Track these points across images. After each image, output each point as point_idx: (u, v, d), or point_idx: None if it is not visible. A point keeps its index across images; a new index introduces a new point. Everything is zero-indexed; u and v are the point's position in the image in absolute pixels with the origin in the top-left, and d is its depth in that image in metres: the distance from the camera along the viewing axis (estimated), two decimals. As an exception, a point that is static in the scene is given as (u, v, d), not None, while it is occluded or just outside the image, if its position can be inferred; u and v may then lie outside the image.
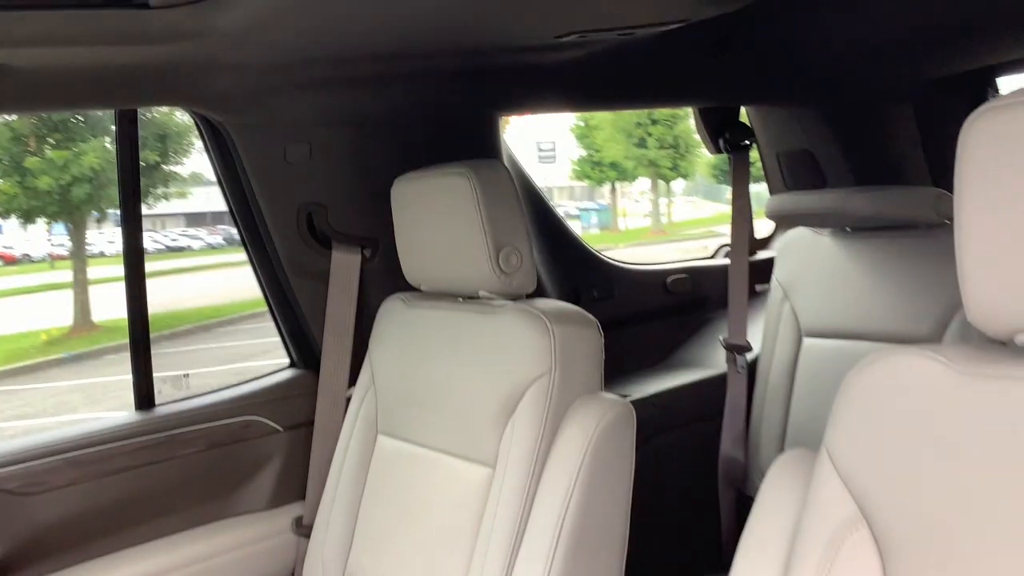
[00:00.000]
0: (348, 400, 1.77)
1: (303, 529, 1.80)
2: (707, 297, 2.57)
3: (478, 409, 1.47)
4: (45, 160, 9.89)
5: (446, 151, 1.76)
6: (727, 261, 2.46)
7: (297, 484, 1.85)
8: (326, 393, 1.84)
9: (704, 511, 2.20)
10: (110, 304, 10.54)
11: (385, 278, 1.81)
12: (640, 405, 1.60)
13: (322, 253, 1.86)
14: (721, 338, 2.31)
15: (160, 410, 1.81)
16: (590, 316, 1.49)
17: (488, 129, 2.06)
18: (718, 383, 2.27)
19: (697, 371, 2.35)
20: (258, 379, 1.94)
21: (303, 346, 1.95)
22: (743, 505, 2.16)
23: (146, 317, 1.78)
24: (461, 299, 1.61)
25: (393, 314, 1.71)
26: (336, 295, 1.85)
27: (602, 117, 18.47)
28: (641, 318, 2.45)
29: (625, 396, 2.10)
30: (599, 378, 1.47)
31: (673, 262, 2.61)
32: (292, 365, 1.99)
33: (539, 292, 1.73)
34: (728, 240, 2.47)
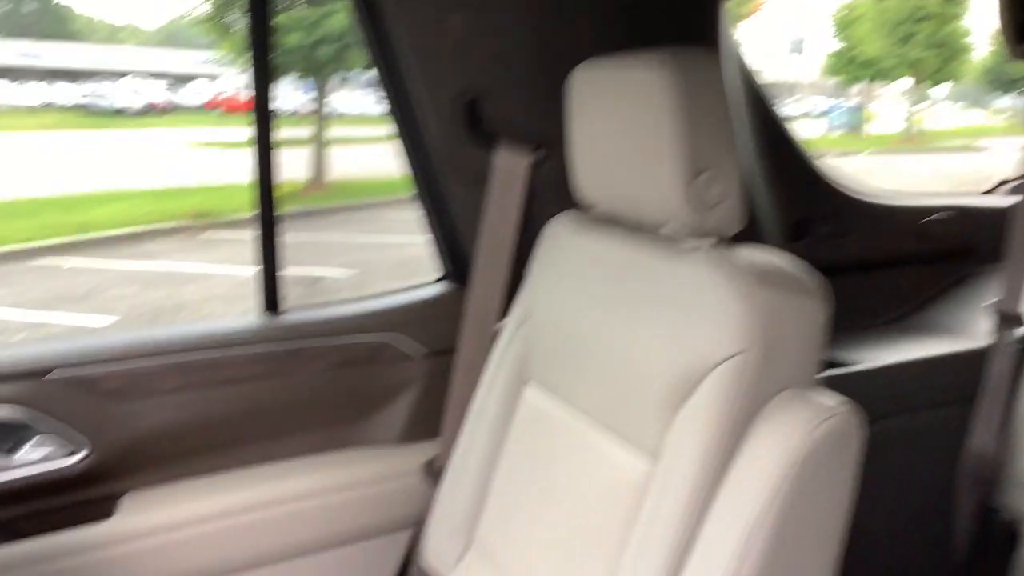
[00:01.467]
0: (498, 332, 1.46)
1: (433, 475, 1.54)
2: (974, 247, 2.03)
3: (644, 385, 1.11)
4: (294, 18, 10.14)
5: (648, 34, 1.35)
6: (1009, 202, 1.91)
7: (432, 420, 1.58)
8: (475, 318, 1.54)
9: (933, 521, 1.75)
10: (343, 163, 10.86)
11: (557, 190, 1.45)
12: (862, 378, 1.19)
13: (484, 152, 1.52)
14: (989, 303, 1.79)
15: (287, 317, 1.57)
16: (813, 279, 1.08)
17: (707, 8, 1.62)
18: (974, 360, 1.76)
19: (946, 341, 1.86)
20: (401, 292, 1.67)
21: (456, 259, 1.65)
22: (987, 520, 1.69)
23: (272, 205, 1.53)
24: (641, 230, 1.23)
25: (560, 236, 1.36)
26: (496, 204, 1.52)
27: (865, 8, 16.85)
28: (881, 264, 1.96)
29: (842, 366, 1.67)
30: (814, 366, 1.07)
31: (934, 195, 2.07)
32: (443, 279, 1.70)
33: (750, 230, 1.31)
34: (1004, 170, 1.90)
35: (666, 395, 1.08)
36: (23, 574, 1.33)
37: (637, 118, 1.14)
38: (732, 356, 1.02)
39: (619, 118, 1.18)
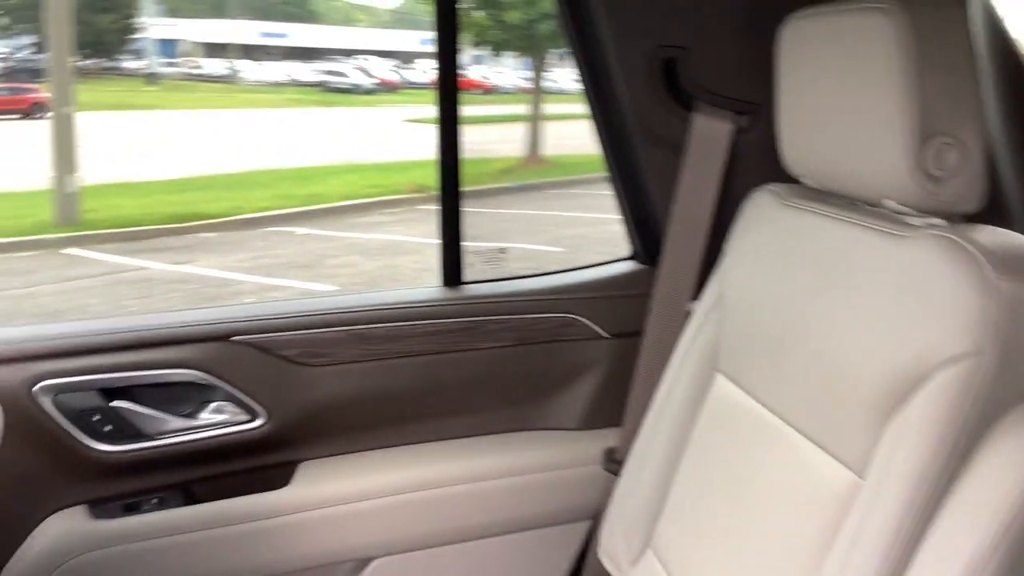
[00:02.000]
0: (688, 314, 1.33)
1: (613, 465, 1.43)
2: None
3: (850, 386, 0.95)
4: (514, -3, 10.24)
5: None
6: None
7: (615, 406, 1.47)
8: (665, 299, 1.41)
9: None
10: (560, 140, 10.88)
11: (760, 159, 1.29)
12: None
13: (681, 116, 1.38)
14: None
15: (468, 290, 1.51)
16: None
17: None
18: None
19: None
20: (588, 269, 1.56)
21: (647, 236, 1.52)
22: None
23: (455, 178, 1.47)
24: (858, 206, 1.06)
25: (762, 211, 1.21)
26: (693, 173, 1.38)
27: None
28: None
29: None
30: None
31: None
32: (631, 258, 1.58)
33: (993, 208, 1.10)
34: None
35: (877, 400, 0.91)
36: (198, 537, 1.34)
37: (858, 73, 0.97)
38: (962, 358, 0.84)
39: (837, 73, 1.01)
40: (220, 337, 1.36)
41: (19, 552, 1.30)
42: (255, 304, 1.45)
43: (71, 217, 7.28)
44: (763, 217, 1.19)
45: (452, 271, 1.51)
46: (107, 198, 8.15)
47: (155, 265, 7.05)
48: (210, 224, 8.10)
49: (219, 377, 1.36)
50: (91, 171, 7.78)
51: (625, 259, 1.58)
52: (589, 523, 1.47)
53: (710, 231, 1.37)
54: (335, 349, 1.41)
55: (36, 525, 1.32)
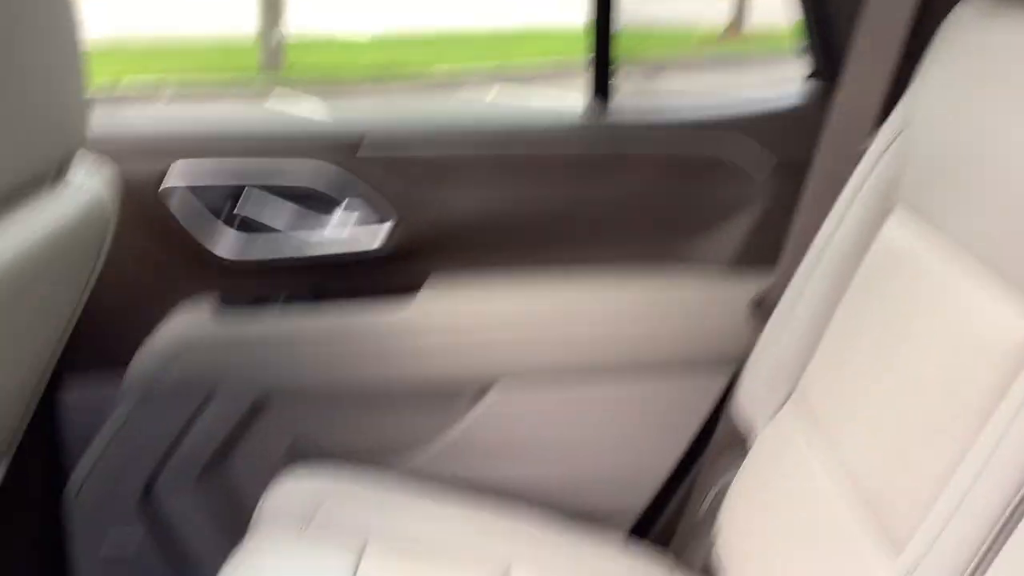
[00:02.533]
0: (864, 149, 1.14)
1: (761, 310, 1.29)
2: None
3: None
4: None
5: None
6: None
7: (770, 247, 1.31)
8: (839, 129, 1.23)
9: None
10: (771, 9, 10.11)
11: None
12: None
13: None
14: None
15: (615, 115, 1.37)
16: None
17: None
18: None
19: None
20: (751, 94, 1.39)
21: (828, 52, 1.32)
22: None
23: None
24: None
25: (963, 29, 1.00)
26: None
27: None
28: None
29: None
30: None
31: None
32: (811, 75, 1.38)
33: None
34: None
35: None
36: (320, 344, 1.33)
37: None
38: None
39: None
40: (353, 144, 1.31)
41: (148, 342, 1.33)
42: (392, 112, 1.38)
43: (275, 66, 7.52)
44: (966, 36, 0.99)
45: (600, 91, 1.37)
46: (312, 51, 8.32)
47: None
48: (413, 80, 8.14)
49: (349, 185, 1.31)
50: (299, 23, 7.95)
51: (793, 86, 1.39)
52: (733, 369, 1.35)
53: (903, 49, 1.17)
54: (472, 165, 1.33)
55: (164, 316, 1.34)
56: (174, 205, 1.28)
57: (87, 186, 0.98)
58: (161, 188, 1.27)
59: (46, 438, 1.36)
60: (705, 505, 1.24)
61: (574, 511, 1.32)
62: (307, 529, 1.17)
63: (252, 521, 1.20)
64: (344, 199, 1.32)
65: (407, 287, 1.36)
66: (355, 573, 1.09)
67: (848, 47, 1.22)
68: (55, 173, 0.90)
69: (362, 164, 1.31)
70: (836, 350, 1.04)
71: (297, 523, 1.17)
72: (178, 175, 1.28)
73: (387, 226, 1.33)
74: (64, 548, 1.36)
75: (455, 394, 1.38)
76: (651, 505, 1.42)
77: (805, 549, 0.93)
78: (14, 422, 1.09)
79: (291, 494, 1.21)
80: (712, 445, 1.32)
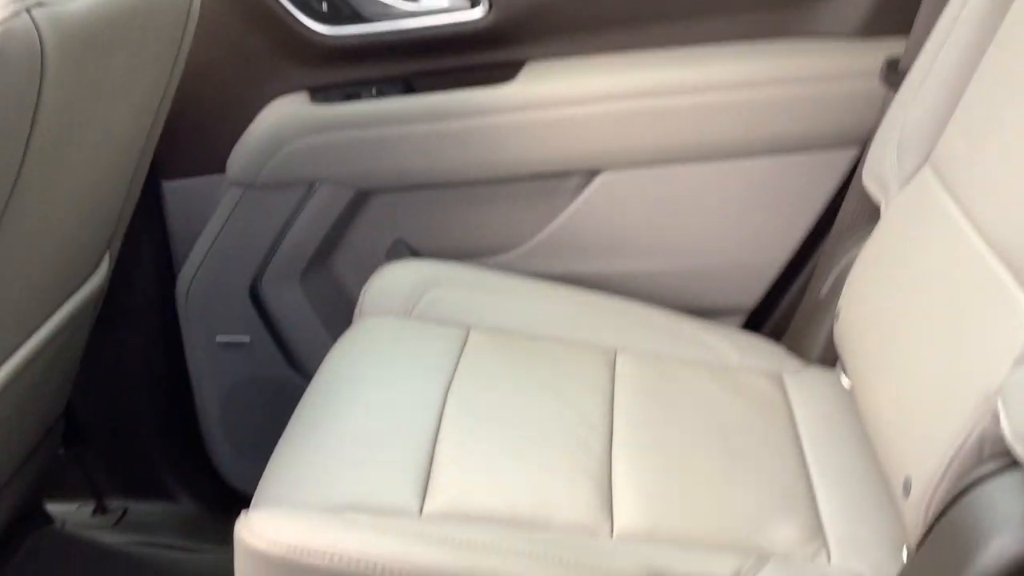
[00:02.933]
0: None
1: (894, 77, 1.17)
2: None
3: None
4: None
5: None
6: None
7: (903, 10, 1.18)
8: None
9: None
10: None
11: None
12: None
13: None
14: None
15: None
16: None
17: None
18: None
19: None
20: None
21: None
22: None
23: None
24: None
25: None
26: None
27: None
28: None
29: None
30: None
31: None
32: None
33: None
34: None
35: None
36: (416, 129, 1.28)
37: None
38: None
39: None
40: None
41: (246, 133, 1.30)
42: None
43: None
44: None
45: None
46: None
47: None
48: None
49: None
50: None
51: None
52: (858, 149, 1.24)
53: None
54: None
55: (261, 108, 1.31)
56: None
57: None
58: None
59: (153, 239, 1.37)
60: (825, 288, 1.17)
61: (680, 308, 1.27)
62: (411, 313, 1.15)
63: (357, 308, 1.19)
64: None
65: (505, 69, 1.29)
66: (462, 353, 1.07)
67: None
68: None
69: None
70: (973, 117, 0.94)
71: (402, 308, 1.16)
72: None
73: (479, 11, 1.24)
74: (180, 339, 1.39)
75: (558, 186, 1.32)
76: (764, 300, 1.35)
77: (935, 318, 0.86)
78: (113, 211, 1.09)
79: (394, 283, 1.19)
80: (835, 228, 1.24)
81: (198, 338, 1.39)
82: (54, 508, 1.41)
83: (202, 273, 1.35)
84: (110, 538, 1.41)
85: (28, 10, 0.67)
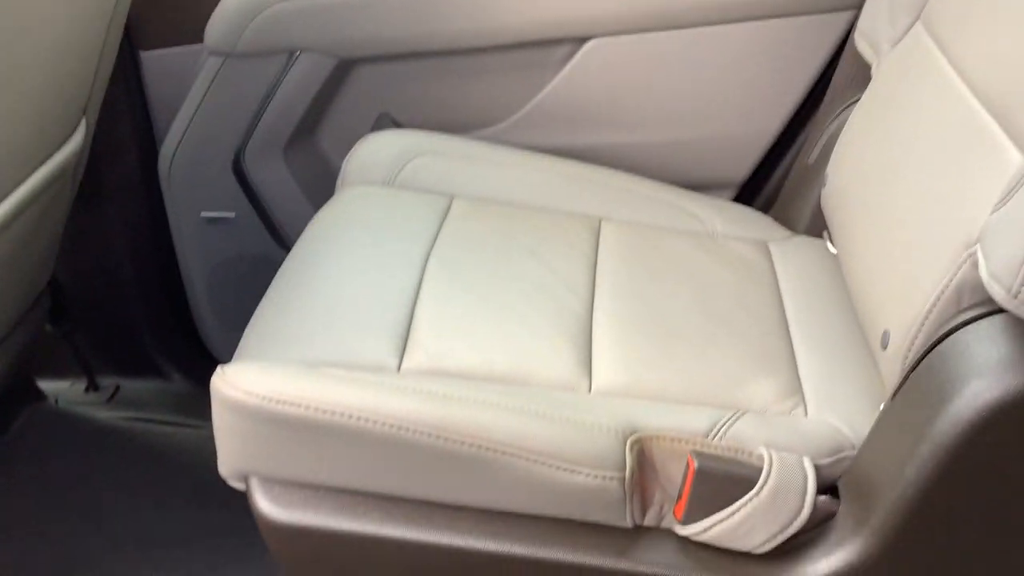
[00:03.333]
0: None
1: None
2: None
3: None
4: None
5: None
6: None
7: None
8: None
9: None
10: None
11: None
12: None
13: None
14: None
15: None
16: None
17: None
18: None
19: None
20: None
21: None
22: None
23: None
24: None
25: None
26: None
27: None
28: None
29: None
30: None
31: None
32: None
33: None
34: None
35: None
36: None
37: None
38: None
39: None
40: None
41: (221, 5, 1.26)
42: None
43: None
44: None
45: None
46: None
47: None
48: None
49: None
50: None
51: None
52: (852, 13, 1.20)
53: None
54: None
55: None
56: None
57: None
58: None
59: (133, 111, 1.35)
60: (813, 155, 1.15)
61: (671, 179, 1.25)
62: (394, 182, 1.14)
63: (339, 177, 1.17)
64: None
65: None
66: (444, 219, 1.06)
67: None
68: None
69: None
70: None
71: (384, 177, 1.14)
72: None
73: None
74: (163, 212, 1.38)
75: (547, 56, 1.28)
76: (755, 172, 1.33)
77: (920, 172, 0.84)
78: (87, 76, 1.06)
79: (377, 152, 1.17)
80: (827, 96, 1.21)
81: (182, 213, 1.37)
82: (46, 385, 1.42)
83: (184, 147, 1.33)
84: (103, 414, 1.42)
85: None
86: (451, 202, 1.09)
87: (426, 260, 0.97)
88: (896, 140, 0.91)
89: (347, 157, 1.17)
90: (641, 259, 1.04)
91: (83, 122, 1.10)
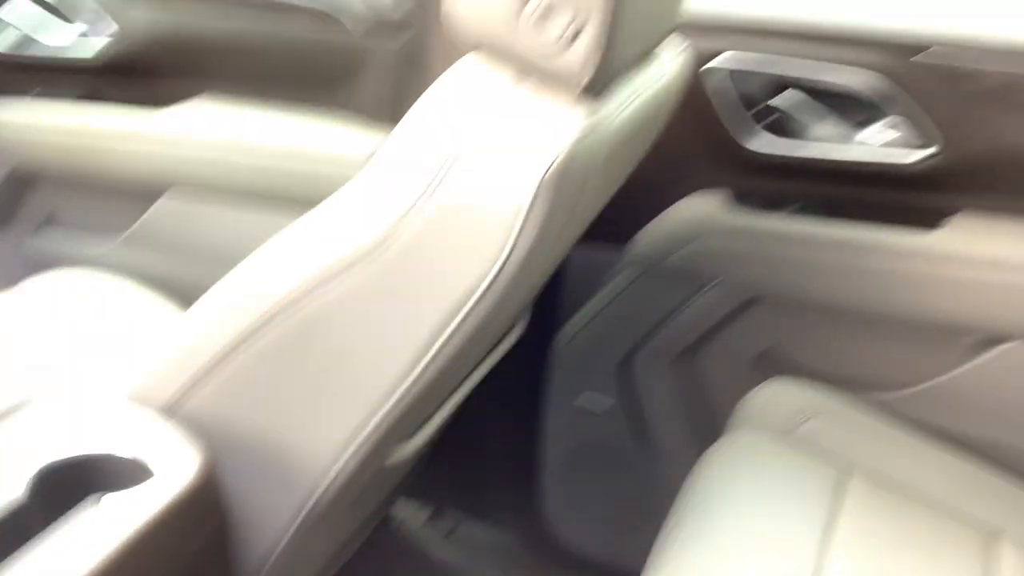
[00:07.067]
0: None
1: None
2: None
3: None
4: None
5: None
6: None
7: None
8: None
9: None
10: None
11: None
12: None
13: None
14: None
15: None
16: None
17: None
18: None
19: None
20: None
21: None
22: None
23: None
24: None
25: None
26: None
27: None
28: None
29: None
30: None
31: None
32: None
33: None
34: None
35: None
36: (829, 258, 1.28)
37: None
38: None
39: None
40: (912, 49, 1.20)
41: (659, 218, 1.36)
42: (954, 21, 1.24)
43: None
44: None
45: None
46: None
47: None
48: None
49: (900, 92, 1.21)
50: None
51: None
52: None
53: None
54: None
55: (677, 199, 1.36)
56: (712, 88, 1.27)
57: (670, 67, 1.00)
58: (703, 68, 1.26)
59: (546, 294, 1.46)
60: None
61: None
62: (790, 438, 1.17)
63: (732, 418, 1.22)
64: (889, 107, 1.23)
65: (933, 214, 1.26)
66: (838, 496, 1.07)
67: None
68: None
69: (918, 73, 1.20)
70: None
71: (780, 426, 1.17)
72: (722, 60, 1.26)
73: (934, 143, 1.22)
74: (542, 393, 1.48)
75: (956, 338, 1.28)
76: None
77: None
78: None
79: (776, 401, 1.21)
80: None
81: (559, 397, 1.47)
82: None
83: (579, 338, 1.43)
84: (438, 549, 1.53)
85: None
86: (848, 477, 1.11)
87: (823, 541, 0.99)
88: None
89: (748, 395, 1.22)
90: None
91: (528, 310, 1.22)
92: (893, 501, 1.10)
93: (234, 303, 0.82)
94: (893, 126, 1.24)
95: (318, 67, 1.43)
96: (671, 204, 1.35)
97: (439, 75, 1.25)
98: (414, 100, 1.17)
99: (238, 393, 0.83)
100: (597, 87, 0.75)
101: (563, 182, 0.74)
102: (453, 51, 1.24)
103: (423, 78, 1.29)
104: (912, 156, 1.23)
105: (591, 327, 1.42)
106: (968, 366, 1.27)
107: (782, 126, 1.27)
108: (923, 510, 1.10)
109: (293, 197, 1.40)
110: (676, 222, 1.35)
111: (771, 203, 1.33)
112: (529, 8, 0.73)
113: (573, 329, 1.44)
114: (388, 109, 1.40)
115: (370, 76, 1.40)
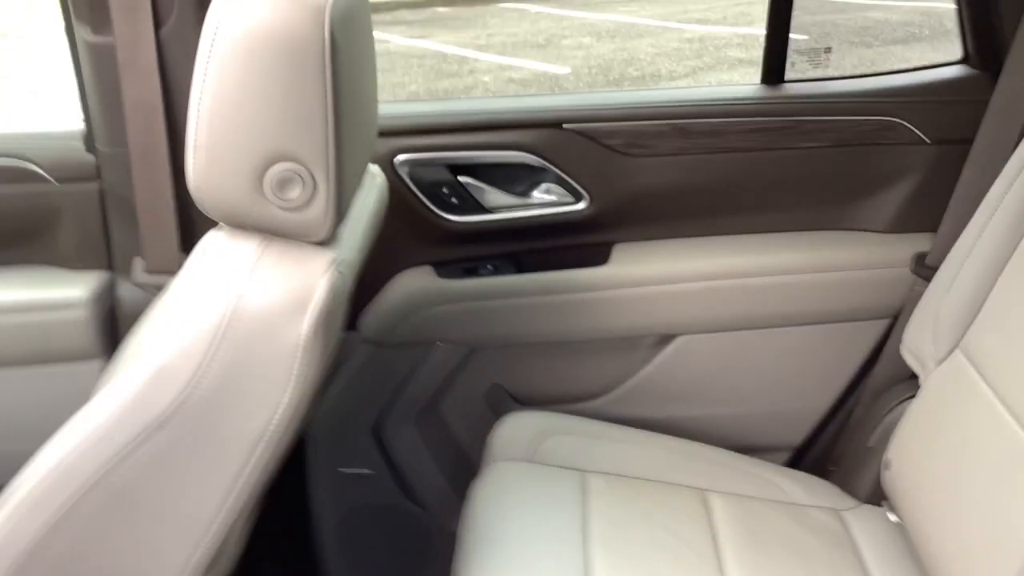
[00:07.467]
0: None
1: (923, 270, 1.47)
2: None
3: None
4: None
5: None
6: None
7: (929, 212, 1.49)
8: (1003, 109, 1.38)
9: None
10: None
11: None
12: None
13: None
14: None
15: (788, 89, 1.53)
16: None
17: None
18: None
19: None
20: (910, 72, 1.53)
21: (983, 37, 1.46)
22: None
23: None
24: None
25: None
26: None
27: None
28: None
29: None
30: None
31: None
32: (963, 61, 1.53)
33: None
34: None
35: None
36: (524, 302, 1.52)
37: None
38: None
39: None
40: (553, 124, 1.47)
41: (379, 299, 1.52)
42: (584, 94, 1.54)
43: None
44: None
45: (775, 68, 1.53)
46: None
47: (395, 39, 7.27)
48: (445, -1, 8.18)
49: (550, 161, 1.48)
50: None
51: (955, 63, 1.54)
52: (888, 321, 1.54)
53: None
54: (656, 141, 1.49)
55: (391, 279, 1.53)
56: (401, 180, 1.46)
57: (378, 178, 1.17)
58: (392, 163, 1.45)
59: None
60: (873, 439, 1.45)
61: (739, 446, 1.54)
62: (533, 458, 1.38)
63: (484, 455, 1.41)
64: (545, 175, 1.49)
65: (599, 251, 1.54)
66: (584, 491, 1.30)
67: (1006, 37, 1.36)
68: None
69: (561, 143, 1.47)
70: (1006, 307, 1.20)
71: (525, 453, 1.38)
72: (404, 155, 1.45)
73: (583, 197, 1.50)
74: (305, 468, 1.58)
75: (638, 343, 1.57)
76: (807, 440, 1.63)
77: (979, 483, 1.12)
78: None
79: (515, 433, 1.42)
80: (869, 387, 1.52)
81: (322, 468, 1.58)
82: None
83: (328, 414, 1.55)
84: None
85: None
86: (587, 475, 1.34)
87: (584, 536, 1.21)
88: (953, 451, 1.20)
89: (491, 434, 1.42)
90: (750, 531, 1.29)
91: None
92: (626, 485, 1.35)
93: (45, 488, 0.85)
94: (550, 190, 1.50)
95: (18, 219, 1.42)
96: (384, 285, 1.52)
97: (146, 214, 1.33)
98: (123, 238, 1.25)
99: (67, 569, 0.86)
100: (335, 230, 0.88)
101: (329, 314, 0.86)
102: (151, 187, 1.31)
103: (131, 218, 1.35)
104: (570, 209, 1.51)
105: (340, 403, 1.55)
106: (652, 364, 1.57)
107: (468, 201, 1.49)
108: (650, 486, 1.36)
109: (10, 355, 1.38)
110: (394, 298, 1.51)
111: (469, 269, 1.55)
112: (266, 182, 0.83)
113: (326, 406, 1.55)
114: (94, 253, 1.43)
115: (72, 222, 1.42)
